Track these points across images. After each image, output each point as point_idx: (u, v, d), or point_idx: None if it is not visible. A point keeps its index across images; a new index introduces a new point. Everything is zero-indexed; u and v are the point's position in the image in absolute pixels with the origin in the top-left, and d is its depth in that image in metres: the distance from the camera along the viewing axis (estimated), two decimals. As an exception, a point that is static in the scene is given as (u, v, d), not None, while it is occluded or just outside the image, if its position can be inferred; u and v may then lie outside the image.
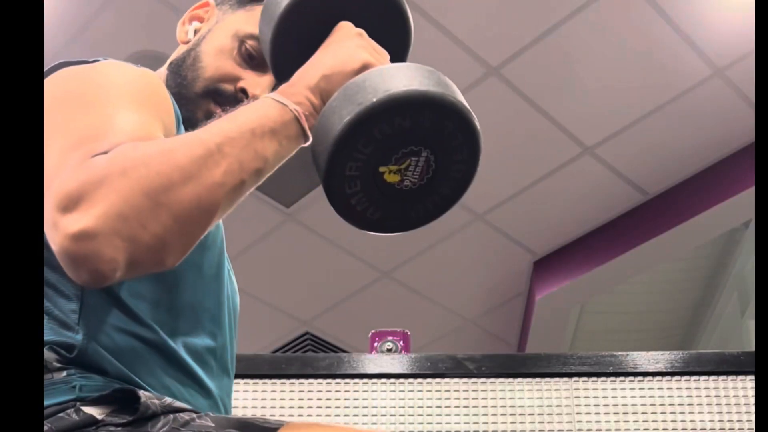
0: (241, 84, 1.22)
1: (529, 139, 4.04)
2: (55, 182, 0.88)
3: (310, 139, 0.99)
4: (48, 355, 0.98)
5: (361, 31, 1.07)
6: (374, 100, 0.92)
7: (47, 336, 1.00)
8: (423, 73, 0.96)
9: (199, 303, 1.11)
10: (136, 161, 0.88)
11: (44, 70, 1.07)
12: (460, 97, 0.97)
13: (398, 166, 0.96)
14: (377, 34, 1.08)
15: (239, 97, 1.21)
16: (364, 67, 1.01)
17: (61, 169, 0.90)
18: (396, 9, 1.11)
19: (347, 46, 1.03)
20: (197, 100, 1.21)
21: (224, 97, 1.21)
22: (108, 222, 0.85)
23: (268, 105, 0.99)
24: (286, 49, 1.08)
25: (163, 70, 1.27)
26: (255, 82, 1.22)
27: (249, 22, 1.24)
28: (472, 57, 3.67)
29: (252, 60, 1.23)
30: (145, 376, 1.02)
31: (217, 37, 1.24)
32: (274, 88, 1.12)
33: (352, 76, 1.00)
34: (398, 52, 1.13)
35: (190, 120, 1.20)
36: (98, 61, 1.11)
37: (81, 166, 0.89)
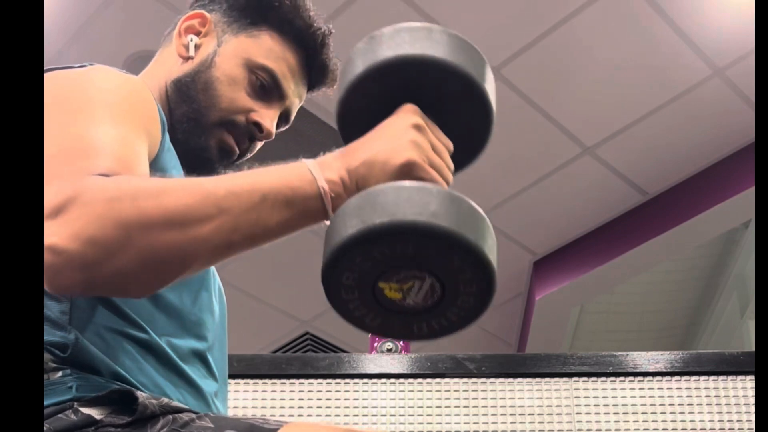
0: (253, 116, 1.23)
1: (529, 139, 4.05)
2: (46, 190, 0.89)
3: (332, 218, 0.93)
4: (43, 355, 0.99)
5: (421, 122, 0.95)
6: (376, 222, 0.86)
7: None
8: (442, 200, 0.87)
9: (183, 306, 1.11)
10: (125, 193, 0.87)
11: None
12: (475, 234, 0.88)
13: (400, 285, 0.91)
14: (450, 118, 0.99)
15: (251, 129, 1.24)
16: (406, 166, 0.92)
17: (52, 178, 0.91)
18: (477, 96, 0.98)
19: (400, 136, 0.94)
20: (211, 128, 1.22)
21: (238, 128, 1.24)
22: (76, 243, 0.85)
23: (298, 172, 0.93)
24: (353, 112, 1.01)
25: (159, 82, 1.25)
26: (265, 113, 1.24)
27: (259, 51, 1.25)
28: (472, 57, 3.67)
29: (263, 91, 1.24)
30: (137, 375, 1.03)
31: (228, 65, 1.23)
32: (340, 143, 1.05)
33: (393, 170, 0.93)
34: (472, 139, 1.03)
35: (201, 147, 1.21)
36: (84, 66, 1.11)
37: (72, 182, 0.89)
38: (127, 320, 1.04)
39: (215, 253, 0.92)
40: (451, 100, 0.99)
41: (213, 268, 1.20)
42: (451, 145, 0.99)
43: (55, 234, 0.86)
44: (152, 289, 0.92)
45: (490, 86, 0.98)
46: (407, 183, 0.90)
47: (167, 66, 1.26)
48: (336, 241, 0.88)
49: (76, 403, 0.96)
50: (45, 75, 1.07)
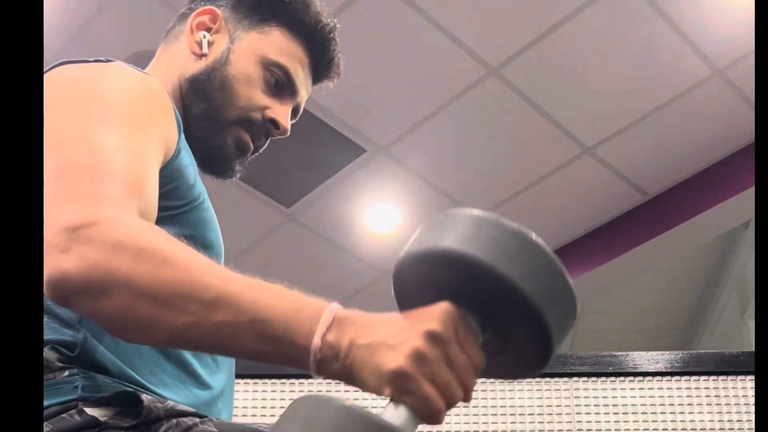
0: (269, 114, 1.25)
1: (529, 139, 4.05)
2: (66, 204, 0.90)
3: (315, 376, 0.85)
4: (50, 354, 0.99)
5: (440, 332, 0.81)
6: None
7: (49, 335, 1.00)
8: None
9: None
10: (132, 245, 0.87)
11: (44, 70, 1.07)
12: None
13: None
14: (498, 324, 0.84)
15: (267, 126, 1.25)
16: (395, 374, 0.80)
17: (68, 189, 0.91)
18: (529, 313, 0.81)
19: (407, 340, 0.81)
20: (229, 126, 1.24)
21: (255, 126, 1.25)
22: (72, 269, 0.86)
23: (303, 315, 0.85)
24: (406, 280, 0.89)
25: (172, 79, 1.24)
26: (279, 110, 1.26)
27: (272, 48, 1.26)
28: (472, 57, 3.67)
29: (277, 87, 1.26)
30: (145, 374, 1.03)
31: (243, 63, 1.24)
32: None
33: (382, 374, 0.81)
34: (522, 354, 0.86)
35: (219, 146, 1.23)
36: (99, 61, 1.11)
37: (94, 208, 0.90)
38: None
39: (179, 343, 0.91)
40: (500, 309, 0.83)
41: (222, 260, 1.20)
42: (480, 361, 0.84)
43: (66, 251, 0.87)
44: (116, 336, 0.93)
45: (552, 302, 0.82)
46: (352, 407, 0.78)
47: (179, 62, 1.26)
48: None
49: (80, 403, 0.96)
50: (59, 67, 1.08)
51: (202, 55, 1.25)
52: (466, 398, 0.83)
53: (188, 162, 1.12)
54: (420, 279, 0.87)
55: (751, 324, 4.47)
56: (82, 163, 0.95)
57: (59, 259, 0.86)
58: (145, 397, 0.96)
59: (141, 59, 1.38)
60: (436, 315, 0.83)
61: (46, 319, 1.01)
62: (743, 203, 3.93)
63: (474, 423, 1.86)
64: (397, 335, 0.82)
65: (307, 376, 1.89)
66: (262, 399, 1.87)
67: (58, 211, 0.89)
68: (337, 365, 0.83)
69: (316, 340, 0.83)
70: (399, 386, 0.80)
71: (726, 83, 3.78)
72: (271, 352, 0.85)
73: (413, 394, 0.80)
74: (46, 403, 0.96)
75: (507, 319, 0.84)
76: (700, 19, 3.53)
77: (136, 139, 1.00)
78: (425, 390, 0.80)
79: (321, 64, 1.31)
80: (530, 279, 0.82)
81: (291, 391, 1.88)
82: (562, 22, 3.54)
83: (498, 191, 4.32)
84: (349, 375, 0.83)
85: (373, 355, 0.82)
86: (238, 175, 1.30)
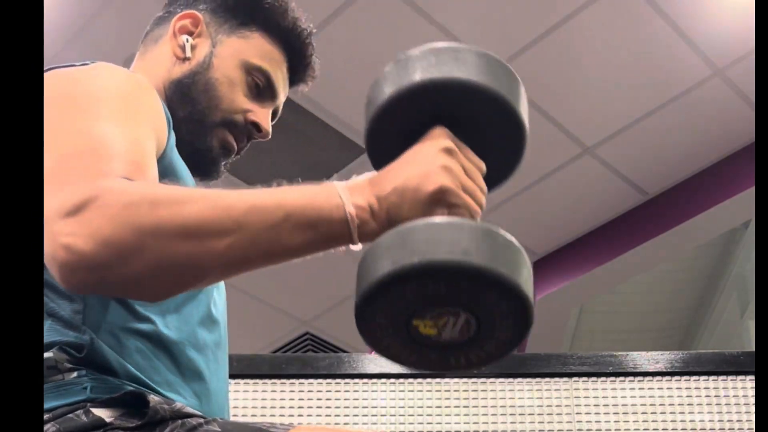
0: (251, 117, 1.27)
1: (529, 139, 4.04)
2: (64, 189, 0.89)
3: (358, 246, 0.92)
4: (58, 355, 0.99)
5: (452, 146, 0.92)
6: (407, 263, 0.84)
7: (56, 337, 1.00)
8: (474, 236, 0.85)
9: (195, 299, 1.12)
10: (144, 198, 0.87)
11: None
12: (509, 268, 0.85)
13: (434, 322, 0.88)
14: (483, 137, 0.99)
15: (249, 128, 1.28)
16: (439, 192, 0.90)
17: (68, 177, 0.90)
18: (507, 114, 0.97)
19: (431, 162, 0.90)
20: (214, 128, 1.26)
21: (238, 128, 1.27)
22: (91, 243, 0.85)
23: (326, 194, 0.91)
24: (382, 137, 0.99)
25: (156, 81, 1.25)
26: (260, 113, 1.28)
27: (253, 52, 1.28)
28: (472, 57, 3.67)
29: (257, 91, 1.28)
30: (151, 374, 1.03)
31: (226, 66, 1.26)
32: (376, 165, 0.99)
33: (425, 198, 0.90)
34: (506, 156, 1.06)
35: (206, 148, 1.25)
36: (86, 64, 1.11)
37: (92, 182, 0.89)
38: (138, 317, 1.04)
39: (230, 268, 0.90)
40: (482, 120, 0.97)
41: None
42: (483, 167, 0.97)
43: (73, 233, 0.85)
44: (164, 296, 0.92)
45: (519, 102, 0.97)
46: (438, 219, 0.88)
47: (162, 66, 1.28)
48: (367, 282, 0.86)
49: (89, 404, 0.96)
50: (47, 73, 1.08)
51: (185, 59, 1.27)
52: (482, 201, 0.95)
53: (178, 157, 1.14)
54: (393, 129, 0.96)
55: (751, 324, 4.48)
56: (80, 150, 0.94)
57: (69, 244, 0.85)
58: (152, 398, 0.97)
59: (141, 59, 1.38)
60: (437, 137, 0.93)
61: (50, 322, 1.01)
62: (743, 203, 3.93)
63: (474, 423, 1.86)
64: (416, 166, 0.91)
65: (307, 376, 1.89)
66: (262, 399, 1.87)
67: (55, 198, 0.88)
68: (375, 223, 0.90)
69: (349, 209, 0.90)
70: (443, 202, 0.90)
71: (726, 83, 3.78)
72: (314, 239, 0.91)
73: (456, 206, 0.90)
74: (54, 403, 0.96)
75: (480, 126, 0.97)
76: (700, 19, 3.53)
77: (134, 129, 1.01)
78: (463, 198, 0.92)
79: (298, 68, 1.34)
80: (493, 79, 0.94)
81: (291, 391, 1.88)
82: (562, 22, 3.54)
83: (498, 191, 4.30)
84: (389, 225, 0.88)
85: (404, 194, 0.90)
86: (222, 176, 1.31)
